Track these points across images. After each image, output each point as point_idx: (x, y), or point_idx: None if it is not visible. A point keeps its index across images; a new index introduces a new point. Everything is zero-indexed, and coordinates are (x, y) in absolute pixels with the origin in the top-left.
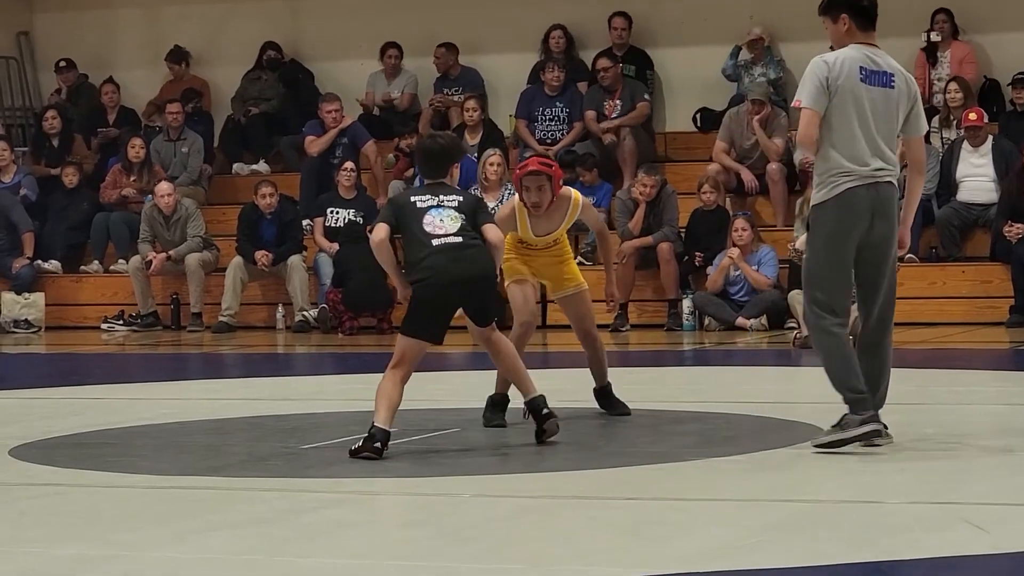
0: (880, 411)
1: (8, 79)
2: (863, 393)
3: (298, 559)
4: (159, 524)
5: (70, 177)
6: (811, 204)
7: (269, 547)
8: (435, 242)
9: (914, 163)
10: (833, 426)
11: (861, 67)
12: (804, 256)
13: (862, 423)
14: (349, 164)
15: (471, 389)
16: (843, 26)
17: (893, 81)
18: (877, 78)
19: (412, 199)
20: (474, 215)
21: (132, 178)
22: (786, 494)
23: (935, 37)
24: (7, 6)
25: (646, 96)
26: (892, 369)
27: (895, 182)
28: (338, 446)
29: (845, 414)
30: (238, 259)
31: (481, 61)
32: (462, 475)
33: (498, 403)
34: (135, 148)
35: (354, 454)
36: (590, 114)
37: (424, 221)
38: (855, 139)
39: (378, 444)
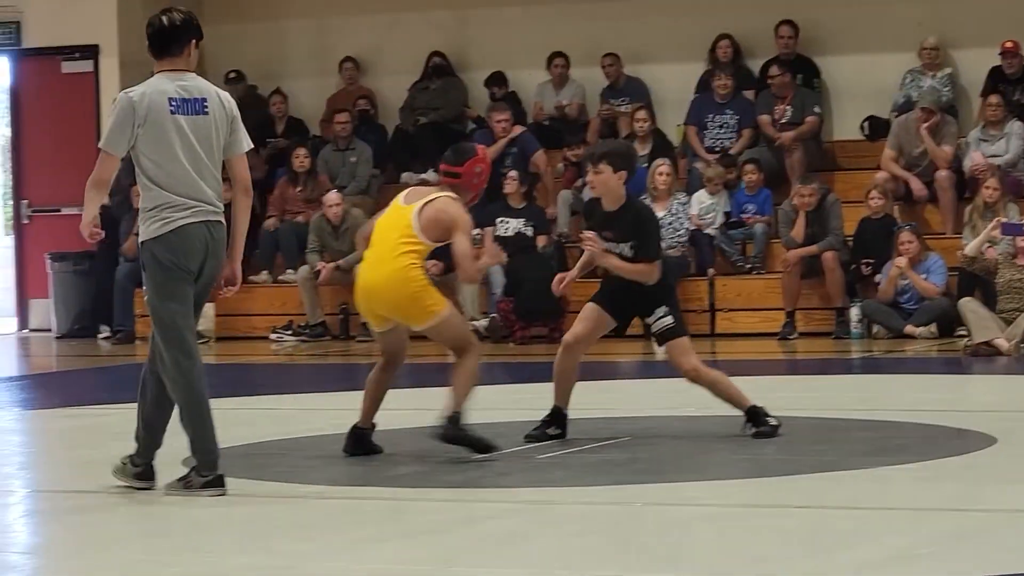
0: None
1: None
2: (216, 453)
3: (472, 568)
4: (332, 534)
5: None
6: (141, 240)
7: (443, 556)
8: None
9: (241, 182)
10: (180, 479)
11: (170, 99)
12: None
13: (205, 485)
14: (512, 173)
15: (643, 398)
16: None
17: (206, 107)
18: (192, 106)
19: None
20: None
21: (298, 188)
22: (959, 503)
23: None
24: None
25: (816, 109)
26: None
27: (221, 220)
28: (511, 456)
29: (193, 467)
30: None
31: (646, 71)
32: (635, 484)
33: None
34: (299, 158)
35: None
36: (764, 118)
37: None
38: (176, 171)
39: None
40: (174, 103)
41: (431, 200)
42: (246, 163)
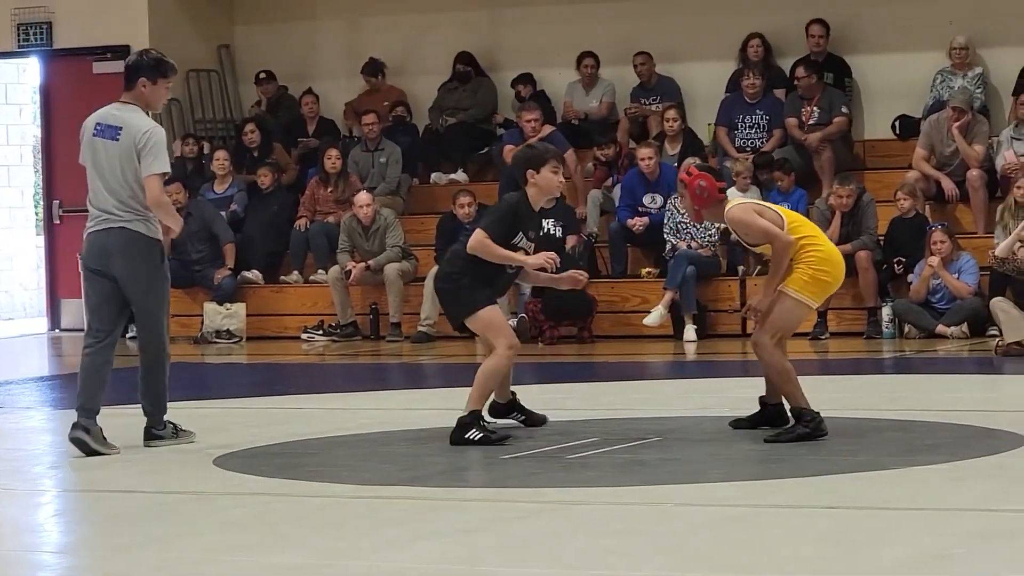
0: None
1: (210, 91)
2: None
3: (500, 568)
4: (364, 533)
5: (263, 179)
6: None
7: (473, 556)
8: None
9: (148, 199)
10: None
11: (97, 123)
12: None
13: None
14: None
15: (672, 398)
16: None
17: (119, 134)
18: (109, 132)
19: None
20: None
21: (329, 189)
22: (991, 503)
23: None
24: (209, 20)
25: (844, 109)
26: None
27: (127, 227)
28: (540, 456)
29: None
30: (437, 269)
31: (677, 70)
32: (665, 484)
33: None
34: (331, 159)
35: None
36: (791, 121)
37: None
38: (93, 186)
39: None
40: (99, 127)
41: None
42: (151, 183)
